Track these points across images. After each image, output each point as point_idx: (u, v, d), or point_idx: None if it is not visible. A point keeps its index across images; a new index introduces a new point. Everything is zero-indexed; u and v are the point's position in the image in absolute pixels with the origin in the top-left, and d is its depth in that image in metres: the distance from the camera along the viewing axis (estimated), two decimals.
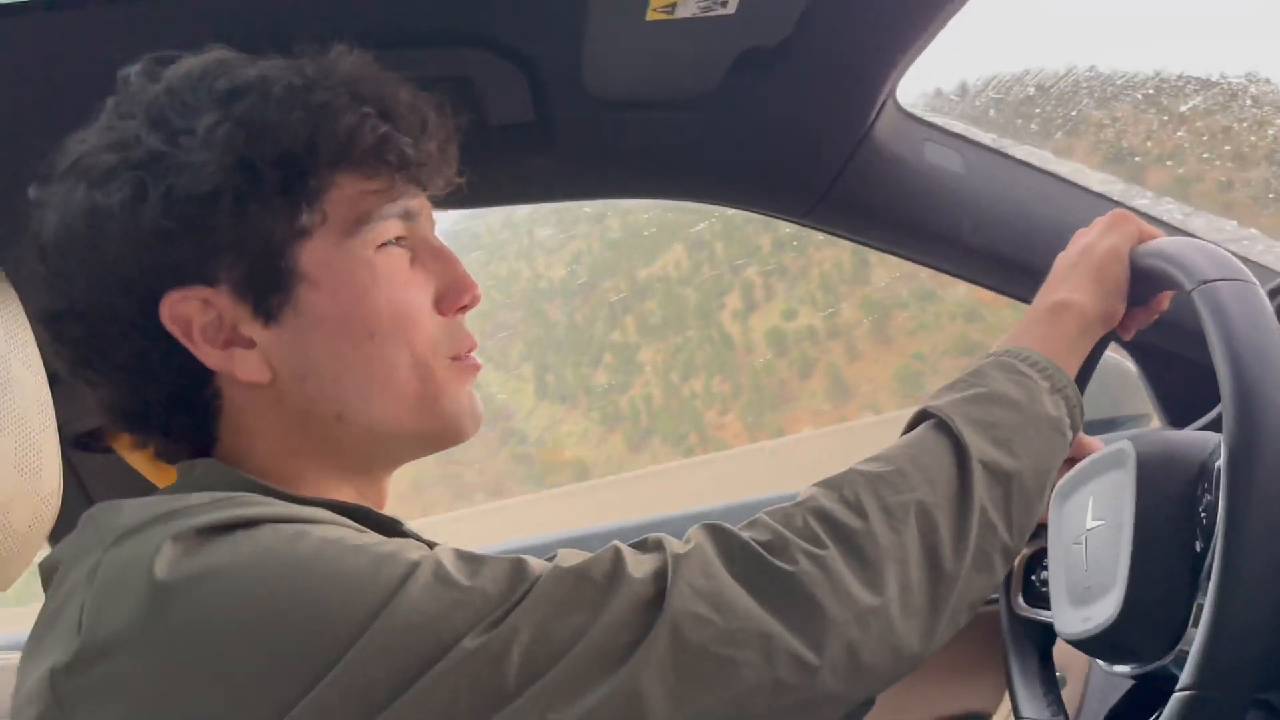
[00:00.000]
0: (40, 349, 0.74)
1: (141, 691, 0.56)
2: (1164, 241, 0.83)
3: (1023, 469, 0.72)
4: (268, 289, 0.68)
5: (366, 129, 0.68)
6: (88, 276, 0.68)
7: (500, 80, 1.10)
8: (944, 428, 0.72)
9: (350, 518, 0.68)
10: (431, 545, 0.72)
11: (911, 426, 0.75)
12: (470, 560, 0.60)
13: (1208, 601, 0.67)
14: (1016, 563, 1.02)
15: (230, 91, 0.68)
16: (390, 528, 0.70)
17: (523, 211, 4.71)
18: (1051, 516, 0.92)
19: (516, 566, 0.60)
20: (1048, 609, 0.94)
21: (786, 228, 1.35)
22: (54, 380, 0.74)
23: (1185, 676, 0.68)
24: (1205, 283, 0.74)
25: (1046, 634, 0.96)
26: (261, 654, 0.56)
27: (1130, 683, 0.93)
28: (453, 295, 0.73)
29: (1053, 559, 0.91)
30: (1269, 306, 0.72)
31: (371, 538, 0.62)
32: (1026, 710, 0.97)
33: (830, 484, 0.69)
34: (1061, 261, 0.84)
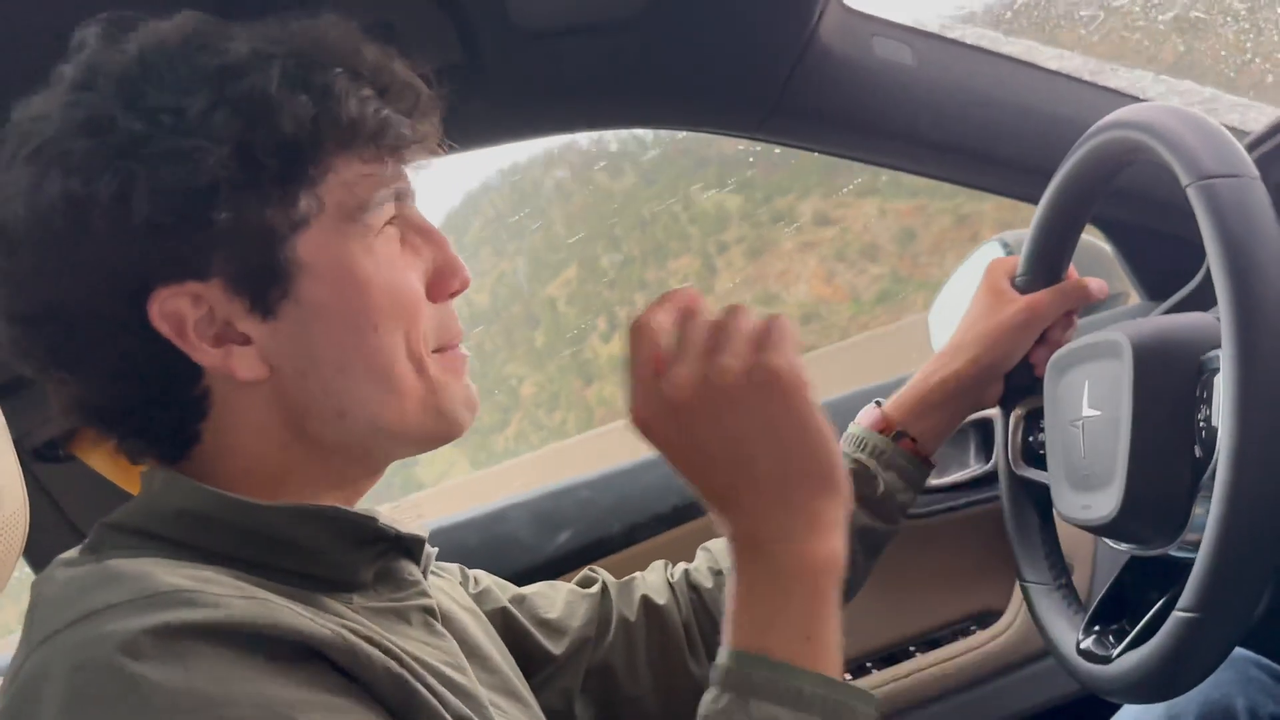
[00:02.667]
0: None
1: None
2: (1147, 112, 0.79)
3: None
4: (266, 283, 0.64)
5: (370, 113, 0.65)
6: (69, 273, 0.62)
7: (424, 22, 1.05)
8: None
9: (320, 522, 0.65)
10: (410, 538, 0.70)
11: None
12: None
13: (1208, 527, 0.67)
14: (1012, 424, 1.01)
15: (221, 70, 0.62)
16: (364, 526, 0.67)
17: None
18: (1047, 388, 0.92)
19: None
20: (1045, 470, 0.94)
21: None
22: (2, 395, 0.70)
23: (1186, 598, 0.69)
24: (1206, 178, 0.70)
25: (1045, 496, 0.96)
26: None
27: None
28: (443, 279, 0.70)
29: (1050, 433, 0.92)
30: (1271, 209, 0.70)
31: (311, 713, 0.54)
32: (1028, 574, 0.97)
33: None
34: (729, 469, 0.61)
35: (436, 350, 0.69)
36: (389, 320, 0.66)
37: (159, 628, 0.53)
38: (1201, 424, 0.75)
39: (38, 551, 0.81)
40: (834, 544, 0.62)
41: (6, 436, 0.71)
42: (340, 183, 0.65)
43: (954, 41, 1.26)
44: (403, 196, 0.69)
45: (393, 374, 0.66)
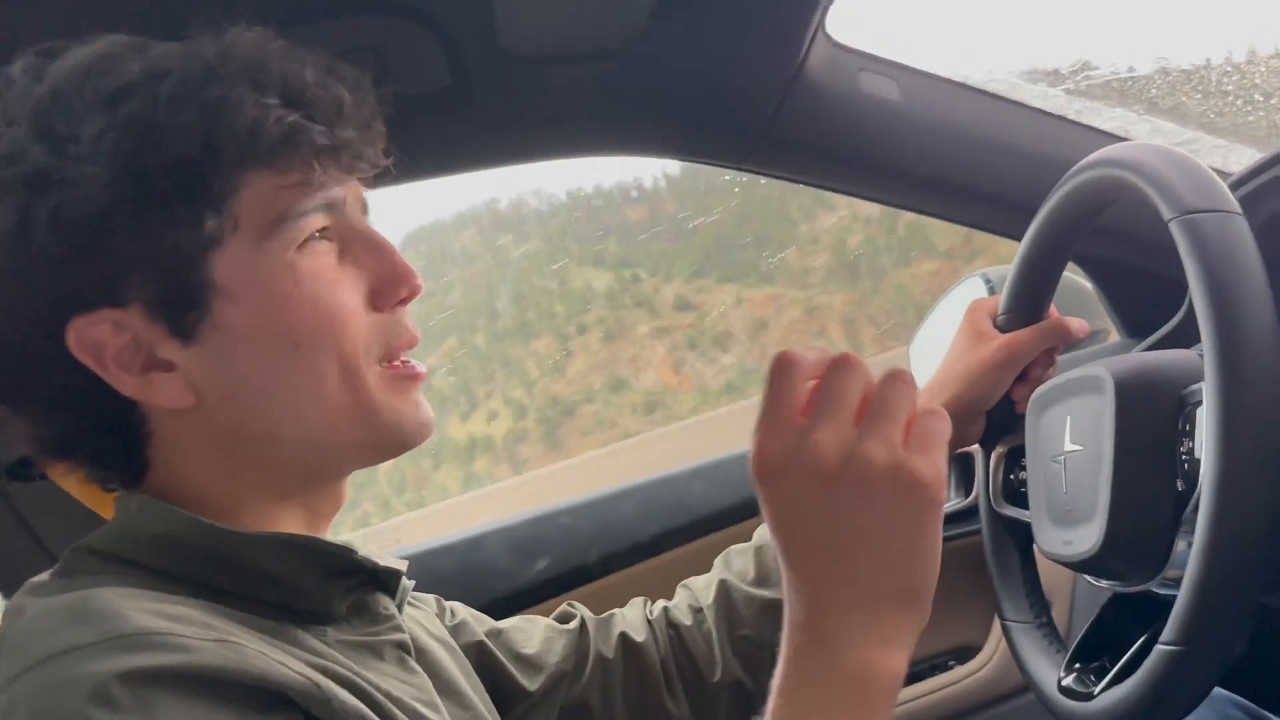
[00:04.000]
0: None
1: None
2: (1131, 150, 0.80)
3: None
4: (182, 306, 0.62)
5: (270, 121, 0.62)
6: None
7: (412, 46, 1.05)
8: None
9: (295, 552, 0.64)
10: (386, 571, 0.69)
11: None
12: None
13: (1191, 558, 0.67)
14: (994, 462, 1.01)
15: (116, 92, 0.61)
16: (340, 557, 0.66)
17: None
18: (1029, 424, 0.92)
19: None
20: (1026, 509, 0.93)
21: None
22: None
23: (1169, 631, 0.68)
24: (1188, 214, 0.71)
25: (1026, 534, 0.96)
26: None
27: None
28: (389, 288, 0.67)
29: (1031, 469, 0.92)
30: (1253, 244, 0.70)
31: None
32: (1010, 612, 0.97)
33: None
34: (813, 547, 0.56)
35: (384, 361, 0.67)
36: (312, 337, 0.63)
37: (128, 673, 0.51)
38: (1184, 456, 0.75)
39: (6, 572, 0.80)
40: (900, 664, 0.56)
41: None
42: (255, 197, 0.63)
43: (940, 78, 1.27)
44: (336, 206, 0.66)
45: (320, 393, 0.64)
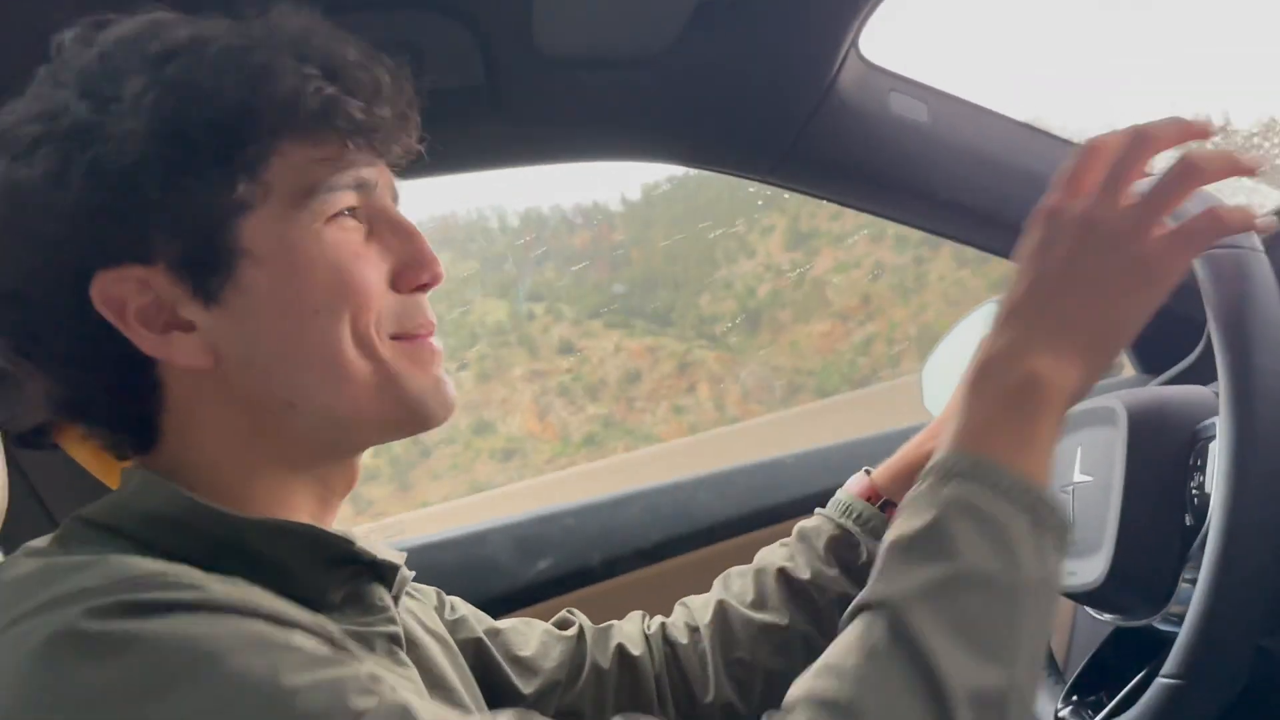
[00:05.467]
0: None
1: None
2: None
3: (1016, 676, 0.56)
4: (207, 268, 0.63)
5: (310, 92, 0.63)
6: (13, 257, 0.63)
7: (447, 42, 1.05)
8: (911, 648, 0.55)
9: (293, 539, 0.64)
10: (384, 563, 0.69)
11: (859, 611, 0.59)
12: None
13: (1196, 592, 0.67)
14: None
15: (161, 54, 0.62)
16: (338, 547, 0.66)
17: None
18: None
19: None
20: None
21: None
22: None
23: (1170, 664, 0.68)
24: (1209, 249, 0.71)
25: None
26: None
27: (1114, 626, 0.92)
28: (410, 271, 0.68)
29: None
30: (1274, 281, 0.70)
31: (302, 671, 0.53)
32: None
33: None
34: (1041, 288, 0.64)
35: (396, 337, 0.67)
36: (329, 304, 0.64)
37: (143, 603, 0.52)
38: (1194, 491, 0.75)
39: (9, 537, 0.80)
40: (1071, 385, 0.63)
41: None
42: (288, 167, 0.63)
43: (969, 103, 1.27)
44: (367, 186, 0.67)
45: (338, 360, 0.64)
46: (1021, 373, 0.62)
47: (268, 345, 0.64)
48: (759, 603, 0.90)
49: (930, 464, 0.62)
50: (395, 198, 0.71)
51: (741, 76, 1.17)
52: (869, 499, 0.94)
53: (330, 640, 0.58)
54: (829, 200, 1.33)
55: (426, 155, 0.72)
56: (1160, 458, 0.77)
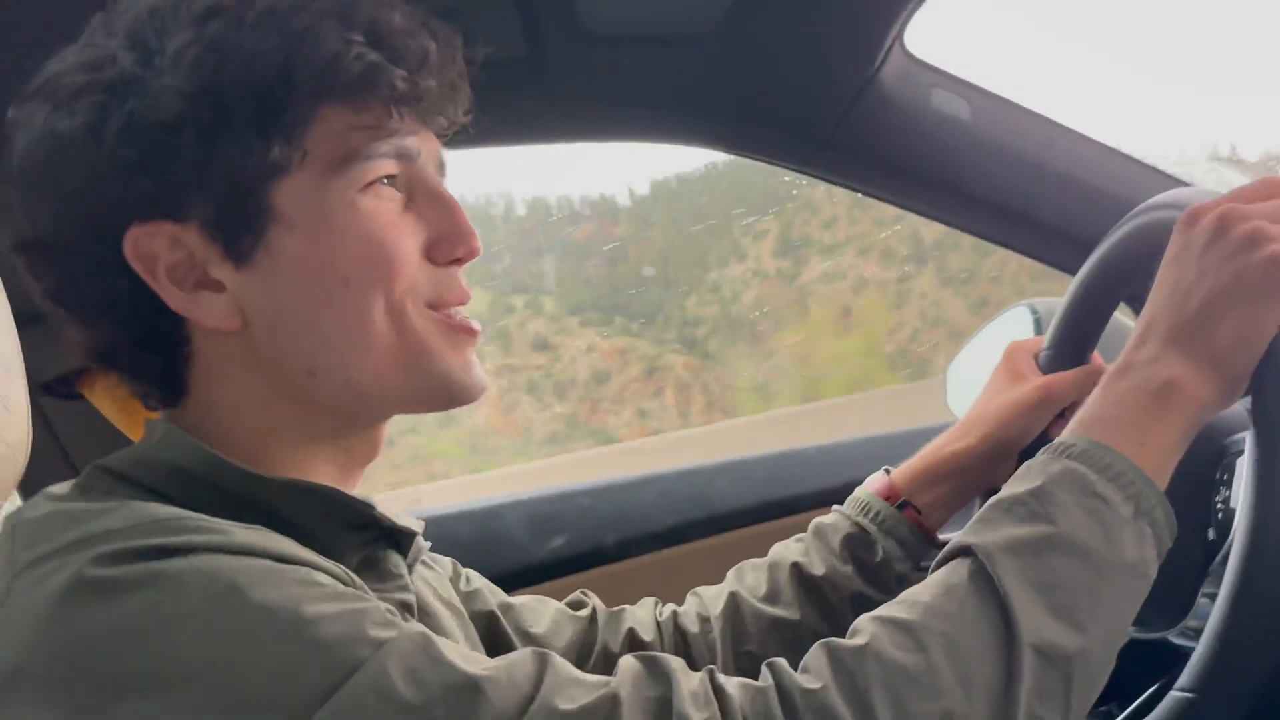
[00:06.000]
0: (9, 295, 0.69)
1: None
2: (1191, 195, 0.79)
3: (1088, 646, 0.59)
4: (239, 229, 0.63)
5: (351, 57, 0.62)
6: (50, 206, 0.63)
7: (490, 12, 1.05)
8: (989, 589, 0.59)
9: (314, 500, 0.64)
10: (405, 530, 0.69)
11: (946, 559, 0.63)
12: (434, 665, 0.53)
13: (1216, 606, 0.66)
14: None
15: (206, 11, 0.62)
16: (358, 511, 0.66)
17: None
18: None
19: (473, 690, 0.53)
20: None
21: None
22: (23, 325, 0.70)
23: (1185, 678, 0.68)
24: None
25: None
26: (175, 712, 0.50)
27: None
28: (446, 243, 0.67)
29: None
30: None
31: (322, 603, 0.54)
32: None
33: (844, 668, 0.57)
34: (1179, 295, 0.68)
35: (431, 306, 0.67)
36: (361, 274, 0.63)
37: (160, 545, 0.53)
38: (1219, 505, 0.74)
39: (31, 484, 0.81)
40: (1203, 394, 0.65)
41: (20, 366, 0.71)
42: (327, 132, 0.63)
43: (1012, 103, 1.26)
44: (409, 155, 0.66)
45: (365, 332, 0.64)
46: (1160, 380, 0.65)
47: (294, 312, 0.64)
48: (771, 597, 0.90)
49: (1050, 444, 0.66)
50: (441, 168, 0.70)
51: (784, 62, 1.16)
52: (888, 498, 0.93)
53: (350, 582, 0.58)
54: (864, 193, 1.32)
55: (466, 127, 0.72)
56: (1187, 469, 0.76)
